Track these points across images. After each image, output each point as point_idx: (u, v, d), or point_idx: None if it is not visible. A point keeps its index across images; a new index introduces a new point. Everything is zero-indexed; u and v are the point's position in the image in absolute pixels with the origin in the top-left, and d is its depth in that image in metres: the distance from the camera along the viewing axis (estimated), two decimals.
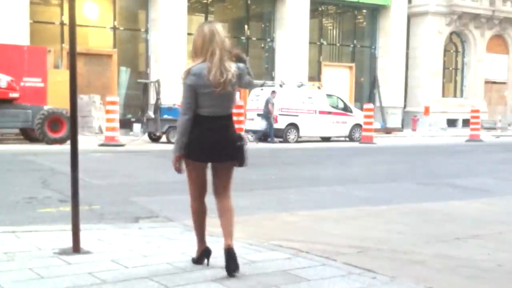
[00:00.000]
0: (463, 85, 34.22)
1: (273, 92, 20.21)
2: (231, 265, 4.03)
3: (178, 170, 4.13)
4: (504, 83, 35.88)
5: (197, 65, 4.00)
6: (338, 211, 7.14)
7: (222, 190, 4.18)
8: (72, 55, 4.83)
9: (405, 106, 31.39)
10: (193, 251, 4.72)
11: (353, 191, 9.15)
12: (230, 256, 4.03)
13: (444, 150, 18.32)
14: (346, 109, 22.15)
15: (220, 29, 4.03)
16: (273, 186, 9.38)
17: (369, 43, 30.45)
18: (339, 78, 28.97)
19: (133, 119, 22.22)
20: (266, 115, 19.72)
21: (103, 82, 23.13)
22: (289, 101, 20.40)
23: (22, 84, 16.79)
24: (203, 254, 4.33)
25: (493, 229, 6.21)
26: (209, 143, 4.02)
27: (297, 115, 20.47)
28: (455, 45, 34.02)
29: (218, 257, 4.57)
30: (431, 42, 31.77)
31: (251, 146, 18.71)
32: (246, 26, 27.12)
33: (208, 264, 4.31)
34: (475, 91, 33.91)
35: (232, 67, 4.01)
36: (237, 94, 4.39)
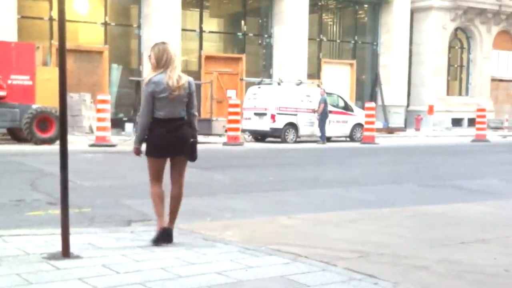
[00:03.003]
0: (468, 83, 34.26)
1: (323, 90, 20.97)
2: (161, 240, 5.11)
3: (137, 154, 5.29)
4: (511, 80, 35.92)
5: (156, 75, 5.14)
6: (338, 214, 7.15)
7: (176, 179, 5.31)
8: (62, 51, 4.83)
9: (408, 105, 31.41)
10: (188, 256, 4.74)
11: (354, 193, 9.17)
12: (166, 234, 5.15)
13: (449, 151, 18.35)
14: (347, 108, 22.15)
15: (172, 49, 5.25)
16: (271, 188, 9.38)
17: (370, 39, 30.46)
18: (340, 76, 28.98)
19: (125, 119, 22.26)
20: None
21: (94, 80, 23.11)
22: (287, 100, 20.40)
23: (9, 82, 16.73)
24: (162, 233, 5.13)
25: (499, 233, 6.22)
26: (165, 141, 5.17)
27: (296, 114, 20.47)
28: (460, 42, 34.06)
29: (213, 262, 4.58)
30: (435, 38, 31.80)
31: (249, 146, 18.77)
32: (242, 22, 27.11)
33: (166, 242, 5.11)
34: (481, 89, 33.95)
35: (183, 75, 5.23)
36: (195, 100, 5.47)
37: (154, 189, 5.25)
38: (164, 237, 5.14)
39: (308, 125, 20.56)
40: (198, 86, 25.14)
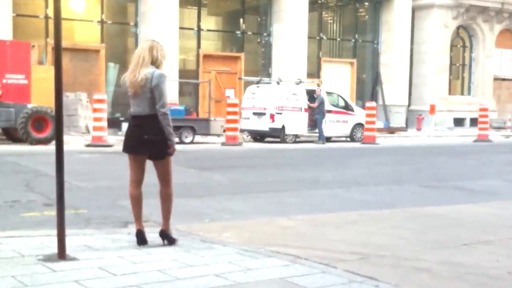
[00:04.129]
0: (470, 82, 34.25)
1: (319, 90, 20.98)
2: (138, 242, 5.20)
3: None
4: None
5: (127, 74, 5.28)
6: (338, 215, 7.16)
7: (160, 179, 5.35)
8: (57, 50, 4.83)
9: (409, 105, 31.40)
10: (186, 257, 4.75)
11: (354, 194, 9.17)
12: (164, 236, 5.30)
13: (450, 151, 18.36)
14: (347, 107, 22.13)
15: (145, 45, 5.26)
16: (270, 189, 9.39)
17: (371, 38, 30.45)
18: (340, 75, 28.97)
19: (121, 118, 22.20)
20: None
21: (90, 79, 23.09)
22: (286, 99, 20.37)
23: (4, 81, 16.71)
24: (137, 235, 5.21)
25: (502, 235, 6.22)
26: (132, 137, 5.24)
27: (281, 113, 20.33)
28: (462, 40, 34.05)
29: (211, 264, 4.58)
30: (437, 36, 31.79)
31: (247, 146, 18.76)
32: (241, 20, 27.09)
33: (139, 244, 5.15)
34: (484, 88, 33.94)
35: (143, 71, 5.11)
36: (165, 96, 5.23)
37: (129, 189, 5.36)
38: (139, 239, 5.19)
39: (294, 124, 20.41)
40: (196, 86, 25.16)
